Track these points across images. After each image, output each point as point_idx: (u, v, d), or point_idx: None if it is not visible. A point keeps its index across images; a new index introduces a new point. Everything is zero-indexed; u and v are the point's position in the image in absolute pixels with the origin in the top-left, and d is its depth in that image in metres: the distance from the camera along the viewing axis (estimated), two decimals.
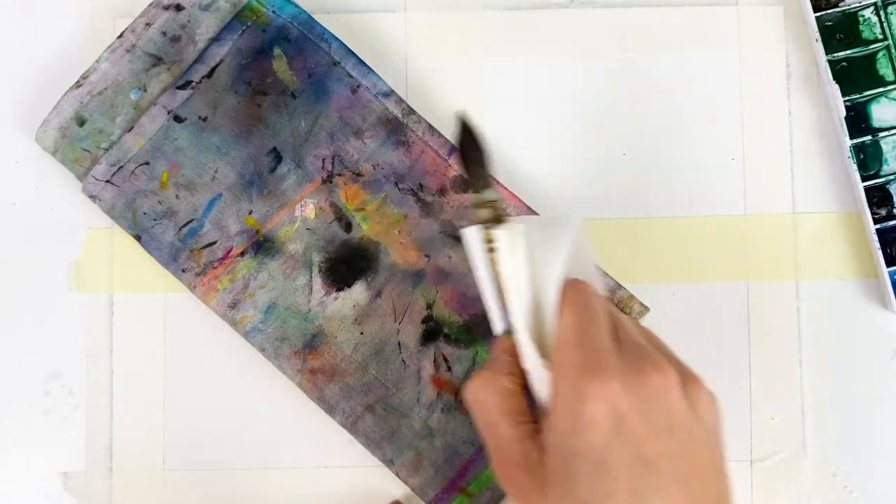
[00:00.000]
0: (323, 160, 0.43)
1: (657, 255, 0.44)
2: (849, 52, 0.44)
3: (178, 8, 0.43)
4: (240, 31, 0.43)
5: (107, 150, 0.43)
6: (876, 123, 0.43)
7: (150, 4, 0.43)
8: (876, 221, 0.43)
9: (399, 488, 0.43)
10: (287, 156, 0.43)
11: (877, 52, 0.44)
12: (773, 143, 0.45)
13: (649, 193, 0.44)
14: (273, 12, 0.43)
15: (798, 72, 0.45)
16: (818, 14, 0.44)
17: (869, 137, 0.43)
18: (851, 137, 0.43)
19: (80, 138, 0.43)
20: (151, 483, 0.44)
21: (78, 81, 0.43)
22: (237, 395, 0.44)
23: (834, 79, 0.43)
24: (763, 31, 0.45)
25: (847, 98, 0.43)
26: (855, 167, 0.43)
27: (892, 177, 0.43)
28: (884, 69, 0.44)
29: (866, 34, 0.44)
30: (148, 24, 0.43)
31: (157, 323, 0.44)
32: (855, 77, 0.44)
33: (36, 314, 0.44)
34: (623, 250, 0.44)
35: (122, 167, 0.43)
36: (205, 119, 0.43)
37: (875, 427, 0.44)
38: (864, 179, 0.43)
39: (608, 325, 0.33)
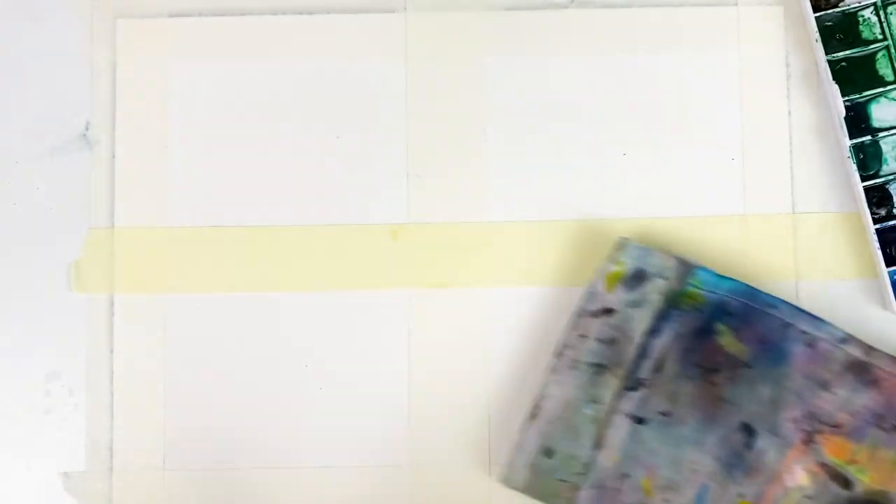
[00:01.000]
0: (796, 422, 0.41)
1: None
2: (849, 52, 0.44)
3: (608, 312, 0.42)
4: (676, 318, 0.42)
5: (583, 473, 0.41)
6: (876, 123, 0.43)
7: (576, 315, 0.42)
8: (876, 221, 0.43)
9: (395, 489, 0.43)
10: (759, 427, 0.41)
11: (876, 52, 0.44)
12: (773, 144, 0.45)
13: (649, 193, 0.44)
14: (709, 292, 0.42)
15: (798, 72, 0.45)
16: (818, 14, 0.44)
17: (869, 137, 0.43)
18: (851, 137, 0.43)
19: (552, 470, 0.41)
20: (151, 483, 0.44)
21: (532, 412, 0.42)
22: (237, 395, 0.44)
23: (834, 79, 0.43)
24: (763, 31, 0.45)
25: (847, 98, 0.43)
26: (855, 167, 0.43)
27: (891, 177, 0.43)
28: (883, 69, 0.44)
29: (866, 34, 0.44)
30: (582, 336, 0.42)
31: (157, 323, 0.44)
32: (855, 77, 0.44)
33: (36, 314, 0.44)
34: None
35: (605, 487, 0.41)
36: (666, 413, 0.41)
37: None
38: (863, 179, 0.43)
39: None
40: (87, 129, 0.45)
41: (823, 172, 0.44)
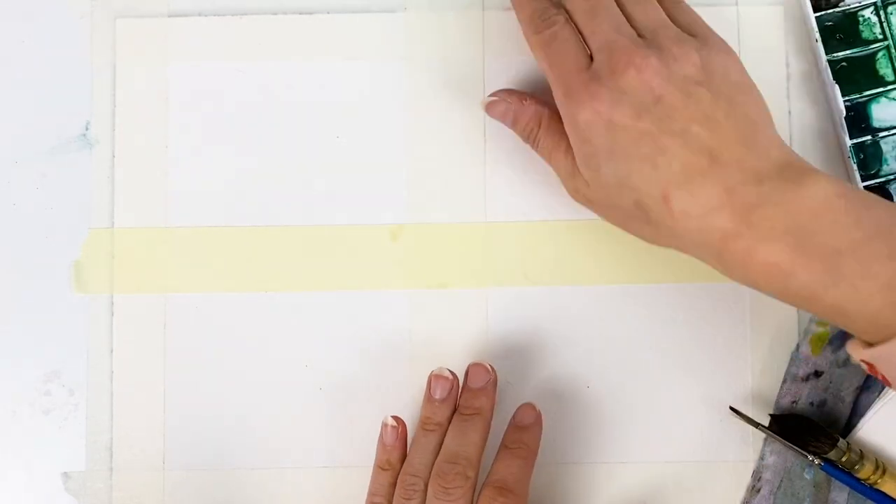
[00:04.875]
0: None
1: (657, 255, 0.44)
2: (849, 52, 0.44)
3: (818, 374, 0.42)
4: None
5: None
6: (876, 123, 0.43)
7: (785, 382, 0.42)
8: None
9: None
10: None
11: (877, 52, 0.44)
12: None
13: None
14: None
15: (798, 72, 0.45)
16: (818, 14, 0.44)
17: (869, 137, 0.43)
18: (851, 137, 0.43)
19: None
20: (151, 483, 0.44)
21: (753, 485, 0.42)
22: (237, 395, 0.44)
23: (834, 79, 0.43)
24: (763, 31, 0.45)
25: (847, 98, 0.43)
26: (855, 167, 0.43)
27: (892, 177, 0.43)
28: (884, 69, 0.44)
29: (866, 34, 0.44)
30: (794, 402, 0.42)
31: (157, 323, 0.44)
32: (855, 77, 0.43)
33: (36, 314, 0.44)
34: (623, 250, 0.44)
35: None
36: None
37: None
38: (864, 179, 0.43)
39: None
40: (87, 129, 0.45)
41: None
